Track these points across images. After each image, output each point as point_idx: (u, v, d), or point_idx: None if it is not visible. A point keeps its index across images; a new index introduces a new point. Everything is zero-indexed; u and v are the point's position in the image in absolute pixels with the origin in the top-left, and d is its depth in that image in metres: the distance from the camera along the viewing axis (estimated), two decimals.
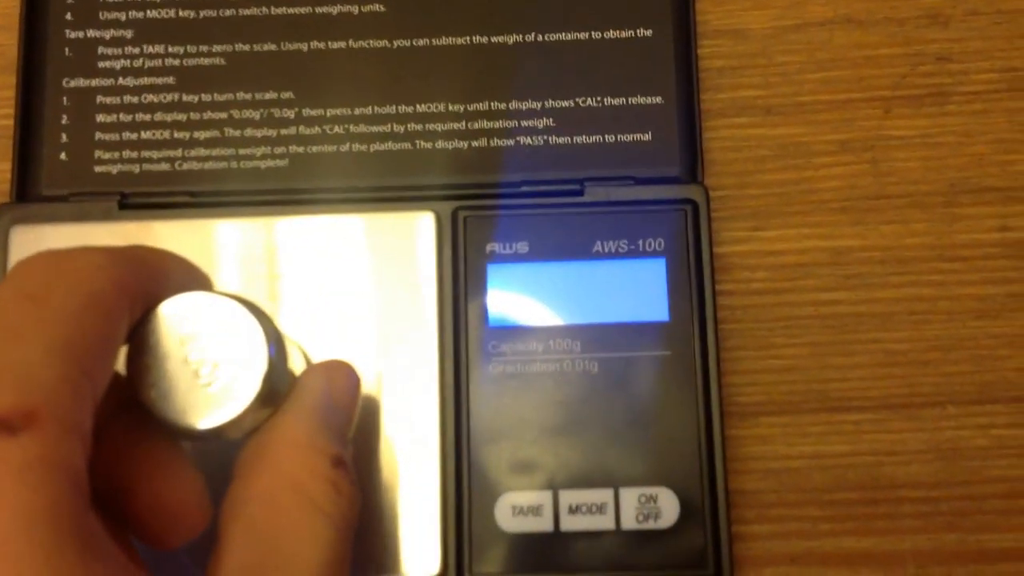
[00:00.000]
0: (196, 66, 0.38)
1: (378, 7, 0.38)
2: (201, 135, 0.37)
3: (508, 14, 0.38)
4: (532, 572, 0.33)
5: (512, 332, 0.35)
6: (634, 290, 0.35)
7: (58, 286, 0.23)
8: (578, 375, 0.35)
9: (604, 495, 0.34)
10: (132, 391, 0.26)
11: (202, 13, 0.38)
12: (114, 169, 0.37)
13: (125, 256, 0.25)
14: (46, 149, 0.37)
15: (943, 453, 0.37)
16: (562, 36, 0.38)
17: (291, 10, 0.38)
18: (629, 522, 0.34)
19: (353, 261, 0.35)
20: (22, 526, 0.20)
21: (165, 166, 0.37)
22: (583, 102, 0.38)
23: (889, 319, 0.37)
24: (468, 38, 0.38)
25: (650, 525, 0.34)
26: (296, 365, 0.30)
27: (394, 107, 0.37)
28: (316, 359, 0.33)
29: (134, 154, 0.37)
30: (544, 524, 0.34)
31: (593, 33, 0.38)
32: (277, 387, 0.27)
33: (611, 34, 0.38)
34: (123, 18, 0.38)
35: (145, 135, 0.37)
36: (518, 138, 0.37)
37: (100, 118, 0.37)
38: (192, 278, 0.28)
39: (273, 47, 0.38)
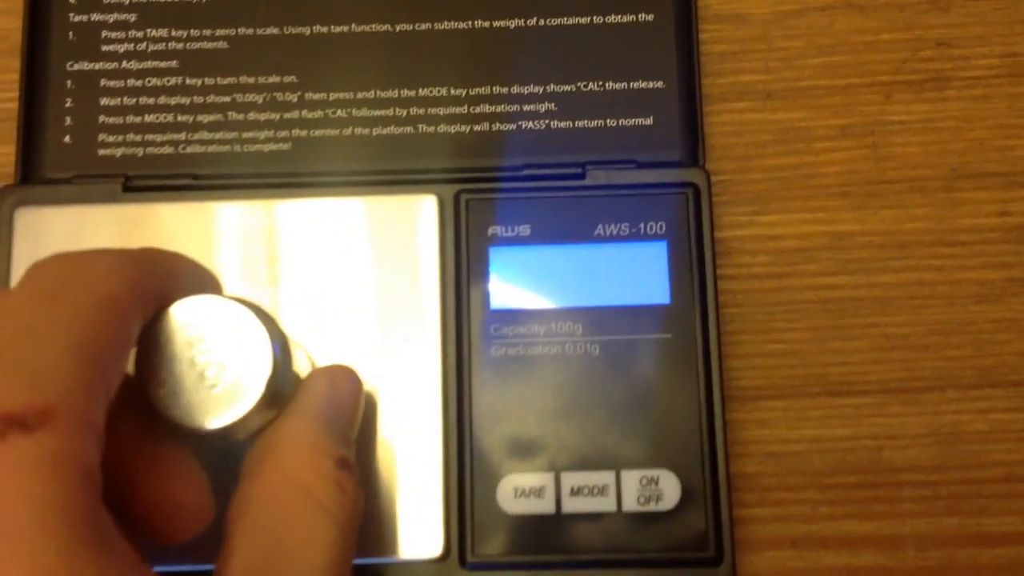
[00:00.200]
0: (199, 50, 0.38)
1: None
2: (204, 119, 0.37)
3: None
4: (534, 554, 0.33)
5: (514, 315, 0.35)
6: (635, 273, 0.35)
7: (73, 287, 0.23)
8: (580, 358, 0.35)
9: (606, 477, 0.34)
10: (141, 390, 0.26)
11: None
12: (118, 152, 0.37)
13: (137, 258, 0.26)
14: (50, 132, 0.37)
15: (943, 437, 0.37)
16: (564, 20, 0.38)
17: None
18: (631, 504, 0.34)
19: (355, 244, 0.35)
20: (38, 519, 0.20)
21: (168, 149, 0.37)
22: (585, 86, 0.38)
23: (889, 304, 0.38)
24: (470, 22, 0.38)
25: (651, 507, 0.34)
26: (300, 367, 0.30)
27: (396, 91, 0.38)
28: (320, 347, 0.34)
29: (138, 137, 0.37)
30: (546, 506, 0.34)
31: (595, 18, 0.38)
32: (282, 388, 0.27)
33: (612, 19, 0.38)
34: (126, 2, 0.38)
35: (149, 118, 0.37)
36: (520, 122, 0.37)
37: (104, 101, 0.37)
38: (201, 279, 0.28)
39: (276, 31, 0.38)
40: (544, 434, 0.34)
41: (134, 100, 0.37)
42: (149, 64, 0.38)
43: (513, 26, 0.38)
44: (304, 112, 0.37)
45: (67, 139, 0.37)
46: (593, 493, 0.34)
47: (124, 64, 0.38)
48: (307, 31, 0.38)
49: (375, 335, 0.35)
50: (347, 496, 0.27)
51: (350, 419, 0.30)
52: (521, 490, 0.34)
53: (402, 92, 0.38)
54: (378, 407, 0.34)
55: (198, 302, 0.27)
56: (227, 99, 0.37)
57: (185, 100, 0.37)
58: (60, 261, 0.24)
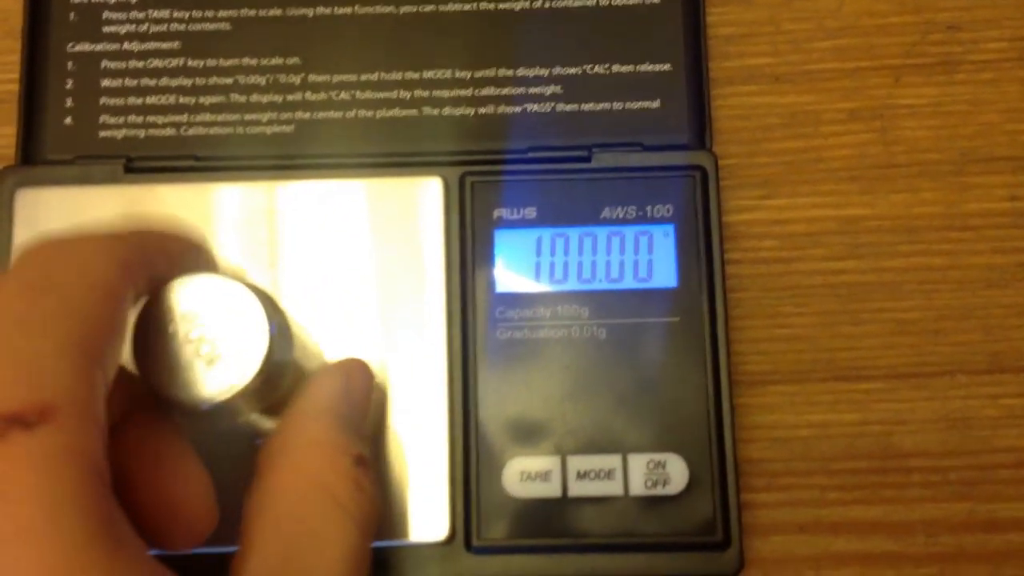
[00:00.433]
0: (201, 31, 0.37)
1: None
2: (207, 100, 0.37)
3: None
4: (540, 537, 0.33)
5: (519, 298, 0.35)
6: (642, 256, 0.35)
7: (63, 275, 0.23)
8: (586, 341, 0.34)
9: (612, 461, 0.34)
10: (139, 371, 0.26)
11: None
12: (119, 134, 0.36)
13: (127, 240, 0.25)
14: (51, 114, 0.37)
15: (953, 423, 0.36)
16: (570, 3, 0.38)
17: None
18: (637, 488, 0.33)
19: (359, 227, 0.35)
20: (48, 515, 0.20)
21: (170, 131, 0.37)
22: (591, 69, 0.37)
23: (898, 288, 0.37)
24: (475, 4, 0.38)
25: (658, 491, 0.33)
26: (301, 350, 0.30)
27: (400, 73, 0.37)
28: (323, 330, 0.33)
29: (139, 119, 0.37)
30: (552, 490, 0.33)
31: (601, 0, 0.38)
32: (279, 367, 0.27)
33: (619, 1, 0.38)
34: None
35: (150, 100, 0.37)
36: (525, 105, 0.37)
37: (105, 83, 0.37)
38: (195, 256, 0.27)
39: (278, 12, 0.38)
40: (550, 418, 0.34)
41: (135, 82, 0.37)
42: (151, 45, 0.37)
43: (519, 8, 0.38)
44: (307, 94, 0.37)
45: (68, 120, 0.37)
46: (600, 477, 0.33)
47: (125, 45, 0.37)
48: (310, 13, 0.38)
49: (380, 319, 0.34)
50: (365, 495, 0.26)
51: (363, 414, 0.30)
52: (527, 474, 0.33)
53: (406, 74, 0.37)
54: (384, 391, 0.34)
55: (192, 279, 0.26)
56: (229, 81, 0.37)
57: (187, 82, 0.37)
58: (50, 248, 0.24)
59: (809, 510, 0.36)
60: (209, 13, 0.37)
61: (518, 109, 0.37)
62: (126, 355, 0.26)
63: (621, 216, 0.35)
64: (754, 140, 0.38)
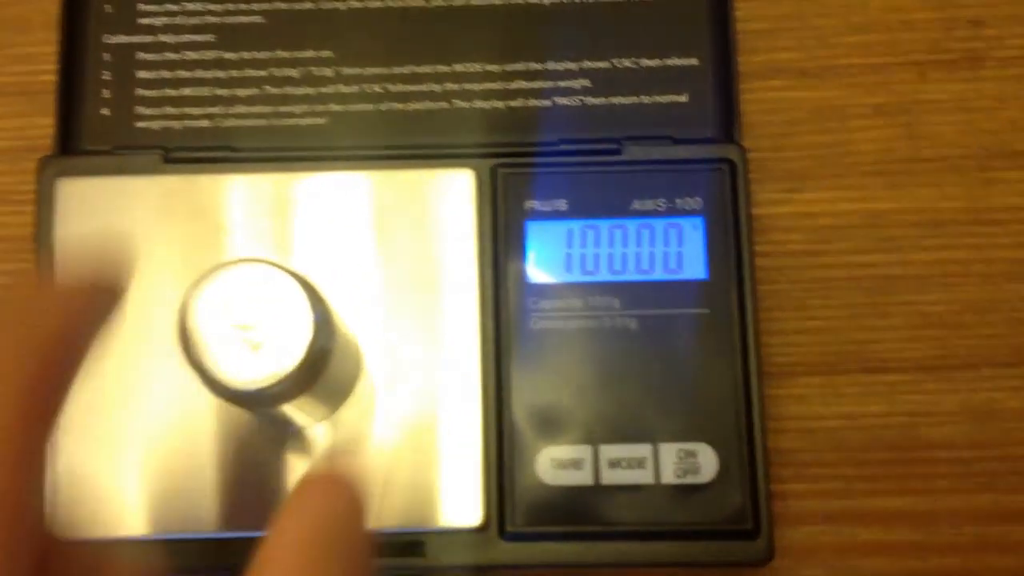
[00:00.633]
0: (235, 24, 0.38)
1: None
2: (241, 93, 0.37)
3: None
4: (572, 524, 0.33)
5: (551, 289, 0.35)
6: (672, 248, 0.35)
7: None
8: (618, 332, 0.35)
9: (643, 450, 0.34)
10: (184, 357, 0.26)
11: None
12: (156, 125, 0.37)
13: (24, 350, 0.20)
14: (88, 105, 0.37)
15: (977, 415, 0.37)
16: None
17: None
18: (668, 477, 0.34)
19: (393, 218, 0.35)
20: None
21: (206, 123, 0.37)
22: (619, 63, 0.38)
23: (924, 282, 0.38)
24: None
25: (689, 480, 0.34)
26: (342, 341, 0.30)
27: (431, 67, 0.38)
28: (356, 322, 0.34)
29: (175, 110, 0.37)
30: (584, 478, 0.34)
31: None
32: (322, 352, 0.28)
33: None
34: None
35: (186, 91, 0.37)
36: (554, 98, 0.37)
37: (141, 74, 0.37)
38: (107, 292, 0.22)
39: (311, 6, 0.38)
40: (582, 407, 0.34)
41: (171, 73, 0.37)
42: (186, 38, 0.38)
43: (548, 2, 0.38)
44: (340, 87, 0.37)
45: (105, 111, 0.37)
46: (631, 465, 0.34)
47: (160, 37, 0.38)
48: (342, 6, 0.38)
49: (413, 310, 0.35)
50: None
51: (358, 547, 0.20)
52: (560, 462, 0.34)
53: (437, 68, 0.38)
54: (419, 379, 0.34)
55: (240, 268, 0.27)
56: (263, 73, 0.37)
57: (222, 74, 0.37)
58: None
59: (836, 500, 0.36)
60: (243, 6, 0.38)
61: (548, 102, 0.37)
62: (174, 340, 0.26)
63: (651, 208, 0.36)
64: (781, 134, 0.39)
